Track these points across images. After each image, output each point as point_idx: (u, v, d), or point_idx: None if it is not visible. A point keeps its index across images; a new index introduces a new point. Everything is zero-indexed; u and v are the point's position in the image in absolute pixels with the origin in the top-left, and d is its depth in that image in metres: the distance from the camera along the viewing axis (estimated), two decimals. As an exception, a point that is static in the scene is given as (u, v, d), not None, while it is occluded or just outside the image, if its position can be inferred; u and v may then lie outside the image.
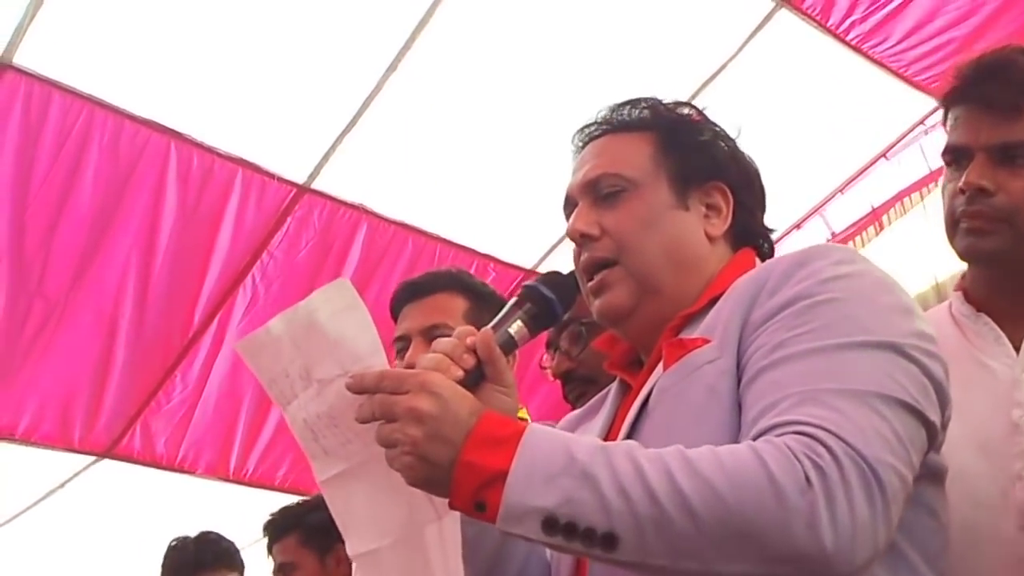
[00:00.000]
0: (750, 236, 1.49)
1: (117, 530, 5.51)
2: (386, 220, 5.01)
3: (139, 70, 4.22)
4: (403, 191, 4.93)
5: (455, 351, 1.27)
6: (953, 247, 1.66)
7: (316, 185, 4.77)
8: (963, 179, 1.62)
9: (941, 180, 1.69)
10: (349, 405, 1.24)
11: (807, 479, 1.06)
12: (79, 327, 4.68)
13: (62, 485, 5.38)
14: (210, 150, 4.50)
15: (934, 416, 1.20)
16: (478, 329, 1.33)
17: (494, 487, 1.10)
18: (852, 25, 4.73)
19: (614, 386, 1.51)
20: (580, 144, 1.51)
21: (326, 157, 4.68)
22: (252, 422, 5.21)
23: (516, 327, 1.34)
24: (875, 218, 5.82)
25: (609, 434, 1.40)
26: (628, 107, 1.49)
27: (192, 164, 4.49)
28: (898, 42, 4.82)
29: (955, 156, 1.66)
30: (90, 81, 4.17)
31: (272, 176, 4.67)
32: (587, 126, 1.51)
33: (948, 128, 1.67)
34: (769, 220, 5.38)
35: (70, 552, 5.67)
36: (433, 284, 2.25)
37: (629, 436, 1.31)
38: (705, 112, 1.53)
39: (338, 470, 1.32)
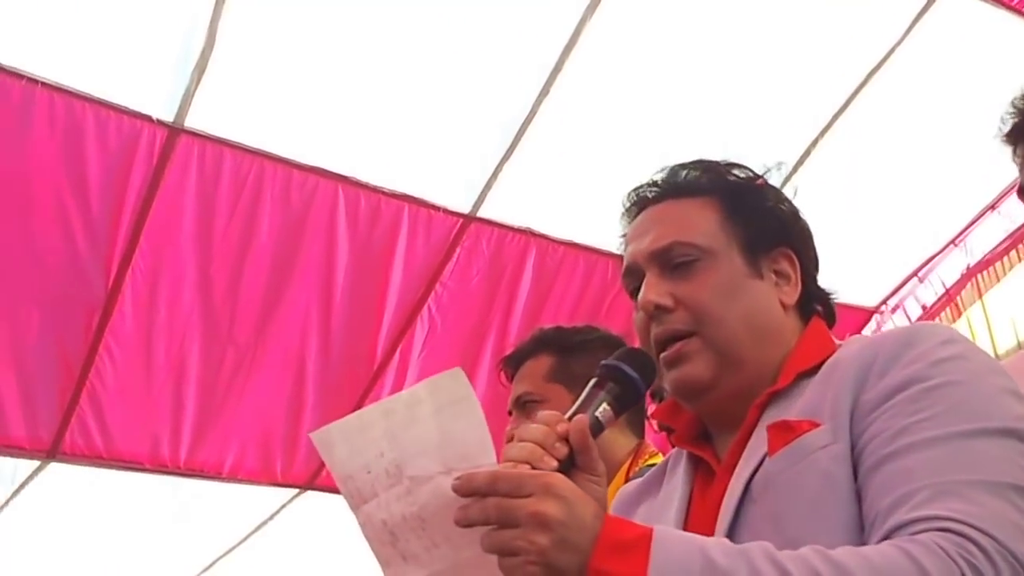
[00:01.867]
0: (814, 303, 1.41)
1: (324, 558, 5.72)
2: (555, 241, 5.02)
3: (301, 121, 4.38)
4: (568, 210, 4.93)
5: (547, 440, 1.18)
6: None
7: (482, 213, 4.83)
8: None
9: None
10: (446, 506, 1.15)
11: None
12: (270, 368, 4.90)
13: (272, 517, 5.64)
14: (376, 190, 4.63)
15: None
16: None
17: None
18: (1028, -8, 4.44)
19: (680, 460, 1.43)
20: (635, 208, 1.43)
21: (488, 185, 4.74)
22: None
23: (602, 409, 1.26)
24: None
25: (689, 513, 1.34)
26: (685, 170, 1.42)
27: (360, 205, 4.63)
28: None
29: None
30: (257, 136, 4.36)
31: (438, 208, 4.76)
32: (642, 188, 1.43)
33: (1018, 165, 1.55)
34: (962, 202, 5.16)
35: (281, 580, 5.93)
36: (522, 354, 2.28)
37: (733, 523, 1.23)
38: (766, 176, 1.45)
39: None
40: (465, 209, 4.80)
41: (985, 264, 5.62)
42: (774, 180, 1.46)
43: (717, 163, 1.43)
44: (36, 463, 4.76)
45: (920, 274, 5.89)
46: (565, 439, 1.20)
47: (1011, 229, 5.51)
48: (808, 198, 4.81)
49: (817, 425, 1.22)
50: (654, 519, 1.36)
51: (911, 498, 1.09)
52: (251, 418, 5.00)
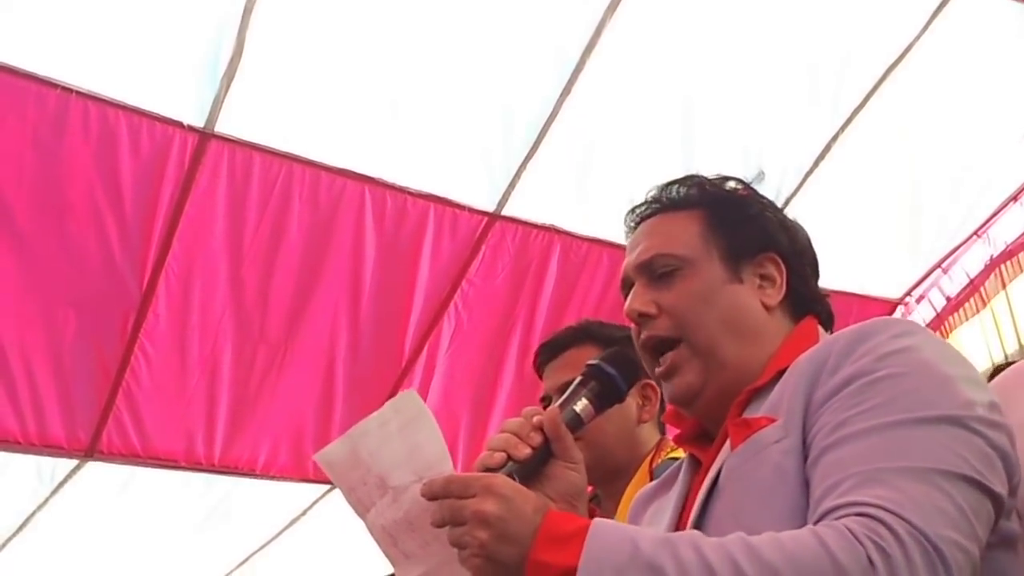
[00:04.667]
0: (808, 304, 1.48)
1: (355, 553, 5.81)
2: (579, 238, 5.09)
3: (327, 123, 4.47)
4: (592, 208, 4.99)
5: (522, 430, 1.31)
6: None
7: (506, 211, 4.90)
8: None
9: None
10: (424, 510, 1.29)
11: (870, 561, 1.06)
12: (301, 366, 4.99)
13: (304, 512, 5.74)
14: (402, 190, 4.71)
15: (1000, 487, 1.18)
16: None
17: None
18: (1046, -14, 4.46)
19: (685, 461, 1.52)
20: (633, 224, 1.53)
21: (512, 184, 4.80)
22: (469, 446, 5.39)
23: (582, 405, 1.38)
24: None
25: (683, 513, 1.42)
26: (676, 186, 1.51)
27: (386, 205, 4.71)
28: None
29: None
30: (285, 139, 4.45)
31: (463, 208, 4.84)
32: (638, 206, 1.53)
33: None
34: (985, 193, 5.17)
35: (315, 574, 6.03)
36: (566, 341, 2.31)
37: (700, 516, 1.32)
38: (752, 186, 1.53)
39: (420, 571, 1.37)
40: (490, 208, 4.87)
41: (1008, 255, 5.63)
42: (779, 185, 1.53)
43: (705, 177, 1.53)
44: (74, 462, 4.88)
45: (944, 265, 5.91)
46: (540, 429, 1.32)
47: (1034, 219, 5.53)
48: (830, 193, 4.91)
49: (772, 421, 1.29)
50: (658, 518, 1.48)
51: (840, 486, 1.15)
52: (283, 415, 5.10)
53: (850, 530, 1.09)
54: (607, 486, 2.24)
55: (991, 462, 1.18)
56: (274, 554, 5.83)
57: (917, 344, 1.25)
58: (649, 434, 2.28)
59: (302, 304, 4.83)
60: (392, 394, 5.24)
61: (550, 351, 2.32)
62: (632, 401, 2.22)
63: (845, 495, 1.14)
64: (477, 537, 1.19)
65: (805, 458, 1.24)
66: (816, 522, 1.14)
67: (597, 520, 1.18)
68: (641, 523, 1.53)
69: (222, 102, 4.20)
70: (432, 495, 1.26)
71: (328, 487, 5.50)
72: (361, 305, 4.92)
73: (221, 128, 4.30)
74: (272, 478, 5.28)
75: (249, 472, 5.21)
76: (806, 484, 1.22)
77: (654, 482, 1.62)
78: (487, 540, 1.19)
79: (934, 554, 1.08)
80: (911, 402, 1.19)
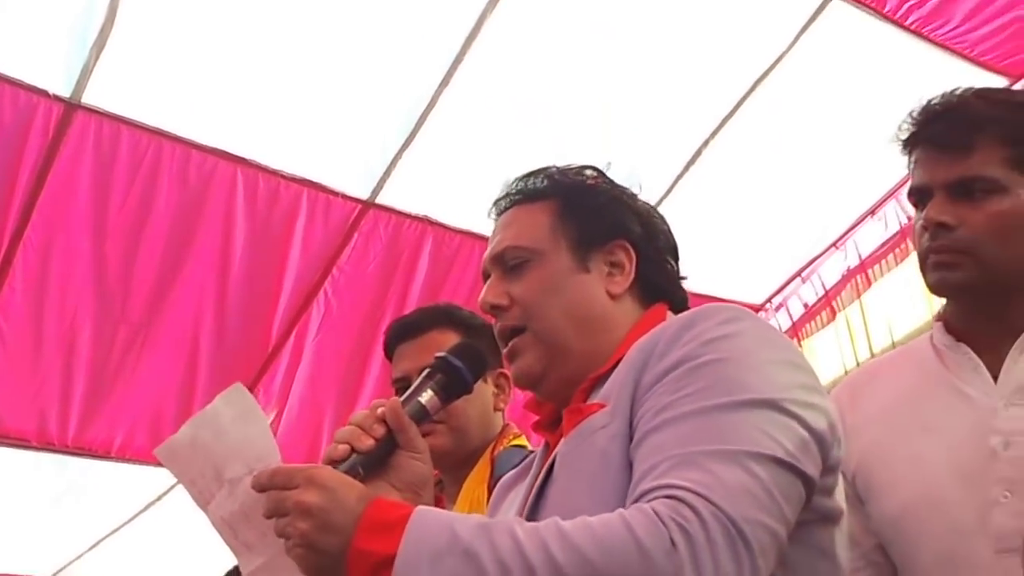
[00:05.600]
0: (660, 290, 1.52)
1: (211, 538, 5.72)
2: (451, 229, 5.10)
3: (201, 101, 4.38)
4: (466, 200, 5.00)
5: (366, 421, 1.34)
6: (926, 283, 1.68)
7: (380, 200, 4.89)
8: (923, 216, 1.64)
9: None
10: (257, 501, 1.31)
11: (672, 542, 1.10)
12: (163, 348, 4.89)
13: (159, 498, 5.62)
14: (275, 173, 4.65)
15: (812, 467, 1.23)
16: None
17: (384, 571, 1.15)
18: (910, 10, 4.65)
19: (542, 448, 1.55)
20: (494, 217, 1.58)
21: (388, 172, 4.79)
22: (333, 434, 5.36)
23: (427, 396, 1.41)
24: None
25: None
26: (531, 178, 1.55)
27: (258, 188, 4.65)
28: (960, 23, 4.72)
29: (919, 197, 1.68)
30: (156, 115, 4.35)
31: (336, 194, 4.81)
32: (499, 199, 1.57)
33: (910, 171, 1.69)
34: (844, 206, 5.36)
35: (169, 560, 5.91)
36: (425, 322, 2.31)
37: (537, 501, 1.36)
38: (605, 172, 1.57)
39: (261, 561, 1.38)
40: (364, 195, 4.85)
41: (863, 267, 5.86)
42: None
43: (559, 167, 1.56)
44: (-82, 438, 4.70)
45: (803, 274, 6.11)
46: (384, 421, 1.35)
47: (889, 234, 5.76)
48: (699, 198, 5.01)
49: (602, 407, 1.34)
50: (514, 505, 1.50)
51: (656, 468, 1.20)
52: (142, 397, 4.99)
53: (656, 512, 1.13)
54: (456, 472, 2.25)
55: (805, 444, 1.23)
56: (127, 538, 5.69)
57: (741, 330, 1.30)
58: (500, 422, 2.31)
59: (167, 284, 4.73)
60: (257, 379, 5.19)
61: (406, 332, 2.32)
62: (488, 388, 2.25)
63: (659, 477, 1.18)
64: (299, 528, 1.21)
65: (631, 442, 1.28)
66: (632, 503, 1.18)
67: (420, 508, 1.20)
68: (500, 510, 1.56)
69: (91, 72, 4.09)
70: (260, 487, 1.28)
71: (186, 472, 5.40)
72: (228, 288, 4.84)
73: (89, 99, 4.19)
74: (128, 461, 5.16)
75: (104, 454, 5.09)
76: (630, 468, 1.26)
77: (515, 469, 1.65)
78: (308, 530, 1.20)
79: (736, 535, 1.12)
80: (730, 386, 1.23)
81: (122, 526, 5.65)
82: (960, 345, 1.67)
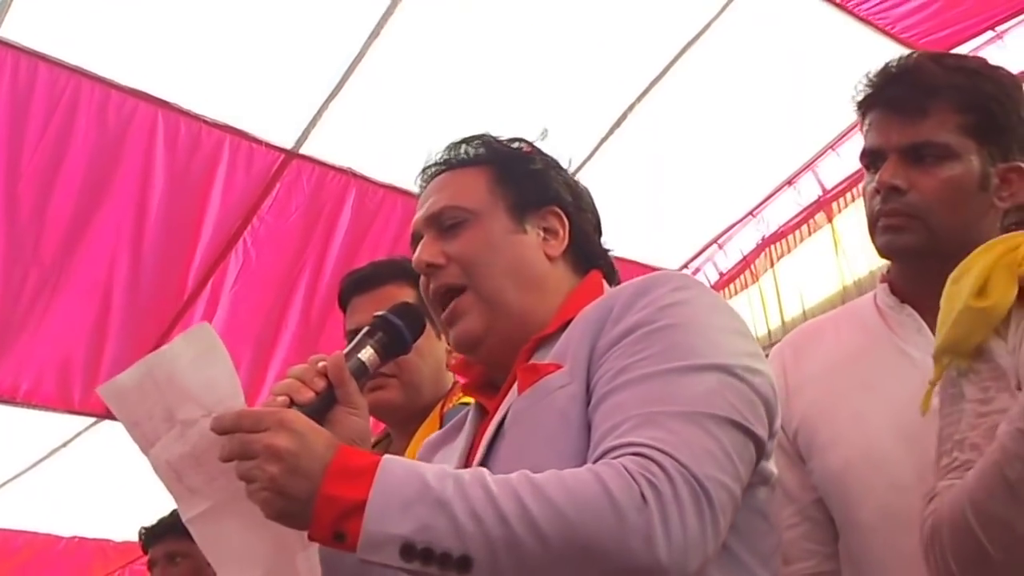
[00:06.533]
0: (592, 258, 1.56)
1: (117, 487, 5.63)
2: (375, 183, 5.06)
3: (124, 40, 4.27)
4: (392, 154, 4.96)
5: (306, 375, 1.34)
6: (874, 245, 1.71)
7: (304, 150, 4.82)
8: (876, 179, 1.67)
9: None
10: (212, 444, 1.29)
11: (643, 497, 1.14)
12: (75, 292, 4.76)
13: (65, 444, 5.51)
14: (197, 118, 4.55)
15: (761, 430, 1.30)
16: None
17: (353, 517, 1.15)
18: (835, -16, 4.73)
19: (471, 409, 1.57)
20: (423, 183, 1.58)
21: (313, 123, 4.73)
22: (248, 385, 5.29)
23: (368, 354, 1.41)
24: (867, 175, 5.87)
25: (469, 456, 1.47)
26: (464, 145, 1.57)
27: (180, 132, 4.54)
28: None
29: (871, 159, 1.71)
30: (76, 52, 4.22)
31: (260, 142, 4.73)
32: (428, 166, 1.58)
33: (864, 133, 1.72)
34: (762, 176, 5.43)
35: (72, 508, 5.81)
36: (381, 275, 2.29)
37: (486, 457, 1.38)
38: (536, 145, 1.60)
39: (205, 507, 1.37)
40: (288, 144, 4.78)
41: (778, 236, 5.98)
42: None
43: (493, 136, 1.58)
44: None
45: (720, 241, 6.22)
46: (324, 375, 1.35)
47: (803, 205, 5.89)
48: (619, 165, 5.05)
49: (559, 367, 1.36)
50: (451, 464, 1.49)
51: (618, 428, 1.23)
52: (51, 342, 4.86)
53: (626, 468, 1.17)
54: (406, 426, 2.25)
55: (755, 407, 1.29)
56: (29, 483, 5.57)
57: (692, 297, 1.36)
58: (451, 379, 2.31)
59: (81, 227, 4.60)
60: (171, 328, 5.09)
61: (362, 284, 2.29)
62: (442, 345, 2.24)
63: (623, 436, 1.22)
64: (267, 471, 1.20)
65: (588, 403, 1.31)
66: (596, 460, 1.21)
67: (387, 456, 1.21)
68: None
69: (9, 4, 3.94)
70: (223, 429, 1.26)
71: (93, 420, 5.30)
72: (145, 233, 4.73)
73: (6, 33, 4.04)
74: (34, 407, 5.04)
75: (9, 399, 4.96)
76: (588, 428, 1.30)
77: (442, 429, 1.66)
78: (277, 474, 1.20)
79: (700, 492, 1.17)
80: (685, 351, 1.29)
81: (24, 471, 5.52)
82: (904, 306, 1.71)
